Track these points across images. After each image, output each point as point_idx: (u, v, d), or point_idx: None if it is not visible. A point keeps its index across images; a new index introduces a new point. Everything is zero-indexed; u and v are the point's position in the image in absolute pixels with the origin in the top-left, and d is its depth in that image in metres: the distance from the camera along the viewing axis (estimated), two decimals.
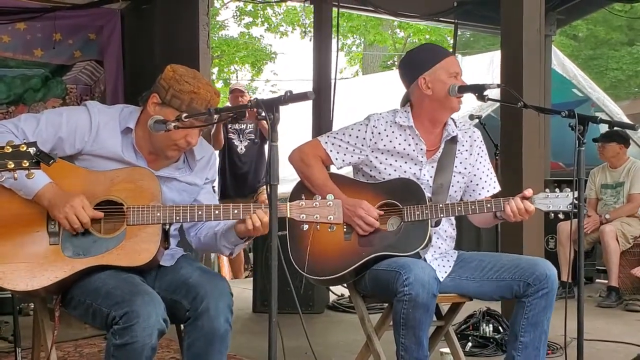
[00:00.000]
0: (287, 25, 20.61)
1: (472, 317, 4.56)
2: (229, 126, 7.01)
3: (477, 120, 5.54)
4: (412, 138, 3.29)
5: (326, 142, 3.33)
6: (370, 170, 3.32)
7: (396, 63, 21.45)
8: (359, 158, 3.32)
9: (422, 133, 3.29)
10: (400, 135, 3.29)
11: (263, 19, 20.34)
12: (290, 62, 21.88)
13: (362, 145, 3.29)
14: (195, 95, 2.72)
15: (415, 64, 3.33)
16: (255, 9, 19.51)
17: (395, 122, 3.30)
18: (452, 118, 3.38)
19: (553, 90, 8.51)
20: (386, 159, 3.29)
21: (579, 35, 19.15)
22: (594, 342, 4.63)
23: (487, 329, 4.45)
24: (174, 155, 2.84)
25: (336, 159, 3.32)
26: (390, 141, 3.28)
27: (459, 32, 8.78)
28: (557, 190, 3.09)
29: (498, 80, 4.55)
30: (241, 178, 7.11)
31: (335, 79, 7.35)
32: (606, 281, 6.60)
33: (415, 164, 3.28)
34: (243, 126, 7.06)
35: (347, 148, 3.31)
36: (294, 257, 3.19)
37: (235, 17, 20.41)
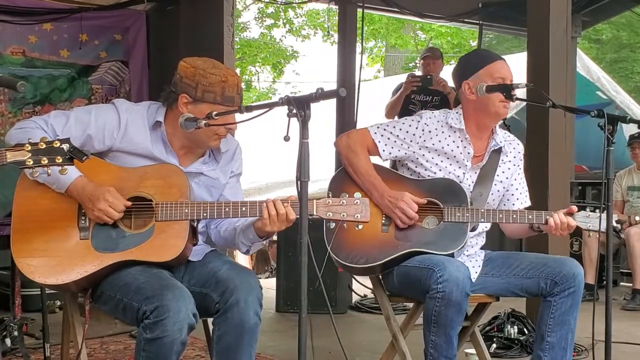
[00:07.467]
0: (309, 27, 20.61)
1: (497, 318, 4.54)
2: (412, 97, 6.41)
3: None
4: (462, 141, 3.28)
5: (375, 133, 3.31)
6: (416, 167, 3.31)
7: (417, 65, 21.39)
8: (405, 153, 3.30)
9: (471, 137, 3.29)
10: (450, 136, 3.28)
11: (284, 21, 20.36)
12: (311, 64, 21.89)
13: (411, 140, 3.28)
14: (225, 84, 2.75)
15: (462, 69, 3.36)
16: (277, 10, 19.55)
17: (447, 123, 3.29)
18: (501, 128, 3.39)
19: (577, 93, 8.46)
20: (432, 158, 3.28)
21: (602, 38, 18.99)
22: (619, 345, 4.60)
23: (512, 331, 4.43)
24: (217, 144, 2.87)
25: (383, 150, 3.30)
26: (440, 141, 3.28)
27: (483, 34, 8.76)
28: (597, 211, 3.09)
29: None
30: None
31: (359, 80, 7.34)
32: (630, 284, 6.56)
33: (460, 167, 3.28)
34: (428, 98, 6.45)
35: (395, 141, 3.29)
36: (329, 242, 3.15)
37: (257, 19, 20.47)
